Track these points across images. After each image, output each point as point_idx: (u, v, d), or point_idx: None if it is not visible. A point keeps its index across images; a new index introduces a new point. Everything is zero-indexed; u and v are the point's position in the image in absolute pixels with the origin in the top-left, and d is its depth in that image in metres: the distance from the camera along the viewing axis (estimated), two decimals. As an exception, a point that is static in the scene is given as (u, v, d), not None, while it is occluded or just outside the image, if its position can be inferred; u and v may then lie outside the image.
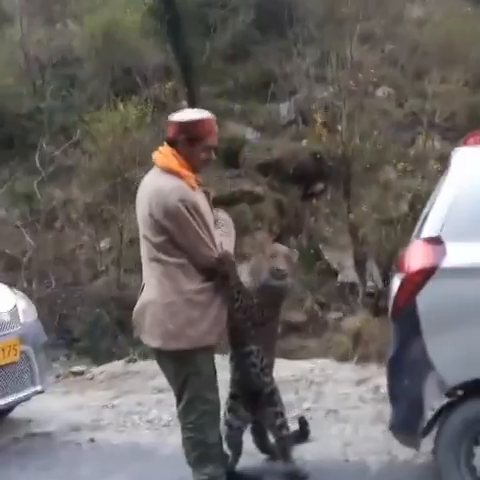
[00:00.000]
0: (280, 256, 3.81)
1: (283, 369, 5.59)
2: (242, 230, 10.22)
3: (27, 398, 4.80)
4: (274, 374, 5.20)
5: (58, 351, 7.44)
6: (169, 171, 3.38)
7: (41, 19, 13.03)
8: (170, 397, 4.41)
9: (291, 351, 8.19)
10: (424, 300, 3.46)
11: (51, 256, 9.76)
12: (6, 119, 10.99)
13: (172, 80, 11.36)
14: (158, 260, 3.39)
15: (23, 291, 7.59)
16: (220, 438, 3.64)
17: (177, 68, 11.29)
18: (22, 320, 4.77)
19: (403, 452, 4.01)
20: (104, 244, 10.22)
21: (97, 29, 11.68)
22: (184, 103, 11.24)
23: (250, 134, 11.44)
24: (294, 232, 10.61)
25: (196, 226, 3.31)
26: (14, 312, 4.74)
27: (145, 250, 3.48)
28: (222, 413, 3.76)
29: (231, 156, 10.95)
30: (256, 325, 3.66)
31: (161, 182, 3.37)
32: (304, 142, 10.98)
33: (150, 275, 3.47)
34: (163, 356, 3.51)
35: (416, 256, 3.61)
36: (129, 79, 11.34)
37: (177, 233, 3.32)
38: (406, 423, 3.56)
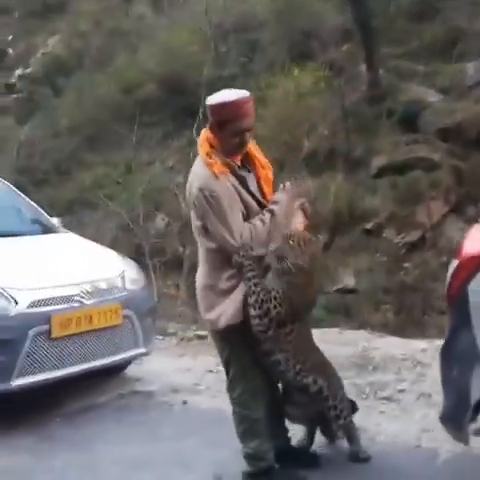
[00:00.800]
0: (298, 238, 3.51)
1: (394, 347, 5.60)
2: (415, 199, 10.02)
3: (130, 359, 5.28)
4: (382, 351, 5.24)
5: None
6: (201, 157, 3.53)
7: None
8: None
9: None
10: (475, 289, 3.35)
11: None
12: (188, 87, 11.61)
13: (349, 43, 11.26)
14: (201, 244, 3.60)
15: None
16: (270, 413, 3.80)
17: (356, 30, 11.15)
18: (127, 286, 5.21)
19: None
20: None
21: (279, -8, 11.90)
22: (362, 66, 11.17)
23: (432, 96, 11.03)
24: (474, 201, 10.16)
25: (213, 215, 3.39)
26: (119, 278, 5.19)
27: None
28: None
29: (409, 120, 10.69)
30: (271, 325, 3.48)
31: (194, 169, 3.53)
32: (488, 104, 10.40)
33: (199, 258, 3.70)
34: (211, 333, 3.76)
35: (472, 241, 3.47)
36: (306, 44, 11.43)
37: (202, 220, 3.49)
38: (453, 416, 3.47)
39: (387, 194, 10.11)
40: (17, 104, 12.98)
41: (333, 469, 3.93)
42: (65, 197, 10.75)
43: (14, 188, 6.32)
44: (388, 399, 4.77)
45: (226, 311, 3.50)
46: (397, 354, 5.42)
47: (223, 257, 3.49)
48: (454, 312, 3.48)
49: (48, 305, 4.72)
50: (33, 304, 4.68)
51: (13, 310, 4.61)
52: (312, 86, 10.64)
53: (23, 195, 6.25)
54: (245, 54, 11.84)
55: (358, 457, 3.96)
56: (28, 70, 13.52)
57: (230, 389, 3.75)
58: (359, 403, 4.70)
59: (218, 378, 5.36)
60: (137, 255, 9.10)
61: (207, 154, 3.47)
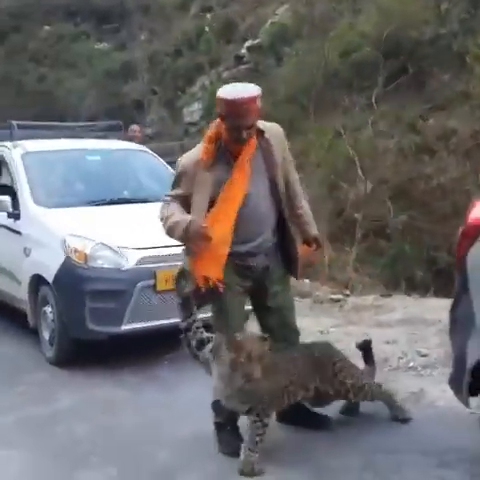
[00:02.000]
0: (252, 357, 3.69)
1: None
2: None
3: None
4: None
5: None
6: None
7: None
8: (383, 334, 5.06)
9: None
10: (473, 256, 3.46)
11: (427, 187, 10.27)
12: (404, 49, 11.62)
13: None
14: None
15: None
16: None
17: None
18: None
19: None
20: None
21: None
22: None
23: None
24: None
25: (171, 186, 4.00)
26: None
27: None
28: None
29: None
30: None
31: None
32: None
33: None
34: None
35: (477, 209, 3.55)
36: None
37: None
38: (454, 379, 3.65)
39: None
40: (244, 75, 13.89)
41: (362, 426, 4.27)
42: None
43: (159, 158, 7.20)
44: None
45: None
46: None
47: None
48: (458, 277, 3.62)
49: (154, 262, 5.49)
50: (141, 261, 5.48)
51: (125, 265, 5.47)
52: None
53: (165, 164, 7.09)
54: (468, 11, 11.50)
55: (397, 418, 4.28)
56: (256, 41, 14.42)
57: None
58: (440, 370, 4.89)
59: (325, 339, 5.75)
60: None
61: (209, 138, 3.87)
